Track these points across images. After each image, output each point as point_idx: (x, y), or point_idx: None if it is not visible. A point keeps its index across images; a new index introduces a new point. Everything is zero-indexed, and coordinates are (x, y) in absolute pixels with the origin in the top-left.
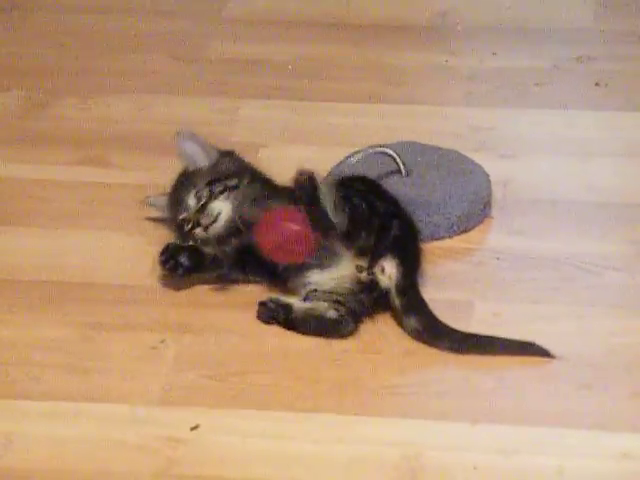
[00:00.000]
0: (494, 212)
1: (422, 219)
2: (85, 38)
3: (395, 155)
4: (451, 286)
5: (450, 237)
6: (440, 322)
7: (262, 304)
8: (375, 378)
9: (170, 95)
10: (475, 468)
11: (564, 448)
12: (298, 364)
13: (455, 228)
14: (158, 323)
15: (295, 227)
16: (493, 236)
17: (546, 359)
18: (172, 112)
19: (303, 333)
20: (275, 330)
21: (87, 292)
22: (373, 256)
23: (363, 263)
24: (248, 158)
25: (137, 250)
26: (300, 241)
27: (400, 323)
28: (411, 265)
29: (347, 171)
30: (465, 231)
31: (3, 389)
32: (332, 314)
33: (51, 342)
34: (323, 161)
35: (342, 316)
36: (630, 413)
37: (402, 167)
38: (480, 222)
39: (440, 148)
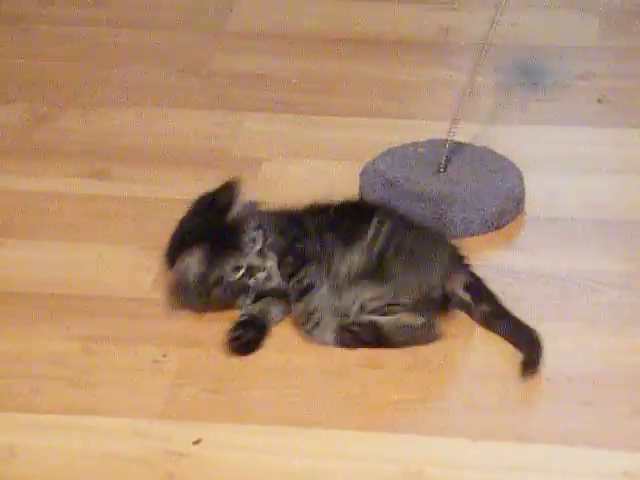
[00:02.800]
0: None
1: (456, 215)
2: (89, 51)
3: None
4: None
5: (484, 233)
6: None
7: (347, 330)
8: (376, 393)
9: (174, 108)
10: None
11: (567, 466)
12: (300, 379)
13: (489, 224)
14: (160, 337)
15: None
16: (494, 252)
17: (547, 377)
18: (175, 125)
19: (393, 347)
20: (277, 344)
21: (89, 305)
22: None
23: None
24: (251, 172)
25: (140, 263)
26: None
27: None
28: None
29: (381, 168)
30: (498, 227)
31: (5, 402)
32: (419, 320)
33: (53, 355)
34: (326, 175)
35: (429, 321)
36: (631, 431)
37: (441, 162)
38: (513, 218)
39: (472, 145)
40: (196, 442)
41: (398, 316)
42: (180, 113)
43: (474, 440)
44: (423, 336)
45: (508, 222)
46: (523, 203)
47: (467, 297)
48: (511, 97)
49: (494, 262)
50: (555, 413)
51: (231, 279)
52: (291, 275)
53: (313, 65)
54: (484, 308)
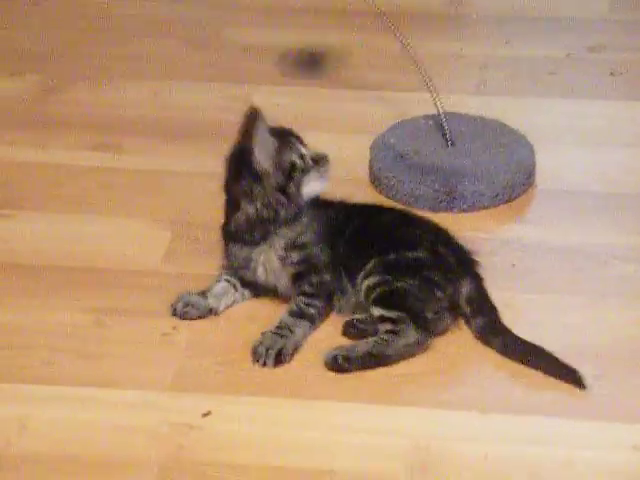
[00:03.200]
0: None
1: (467, 188)
2: (99, 23)
3: (443, 122)
4: None
5: (495, 206)
6: (500, 323)
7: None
8: (385, 367)
9: (183, 81)
10: (486, 457)
11: (575, 439)
12: (309, 351)
13: (500, 197)
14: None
15: None
16: (505, 225)
17: (559, 351)
18: (185, 98)
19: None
20: None
21: (100, 277)
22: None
23: None
24: None
25: (150, 236)
26: None
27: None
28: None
29: (391, 141)
30: (509, 200)
31: (16, 374)
32: (413, 338)
33: (63, 327)
34: (337, 147)
35: (424, 337)
36: None
37: (448, 135)
38: (524, 191)
39: (484, 118)
40: (206, 414)
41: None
42: (190, 86)
43: (483, 413)
44: (414, 351)
45: (519, 195)
46: (534, 176)
47: (468, 309)
48: (522, 70)
49: (504, 235)
50: (565, 386)
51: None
52: None
53: (322, 38)
54: (480, 322)
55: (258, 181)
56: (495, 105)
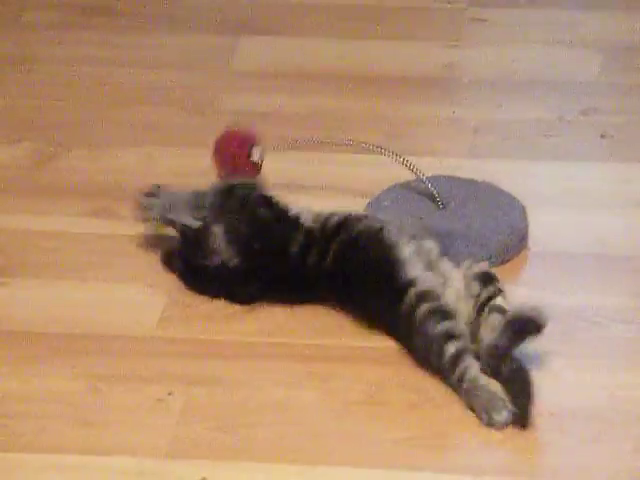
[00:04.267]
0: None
1: (461, 251)
2: (94, 91)
3: (430, 186)
4: None
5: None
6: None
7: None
8: (380, 431)
9: (179, 147)
10: None
11: None
12: (304, 416)
13: (493, 259)
14: (165, 375)
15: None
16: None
17: (551, 412)
18: (181, 164)
19: None
20: (282, 381)
21: (95, 344)
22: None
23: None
24: None
25: (145, 301)
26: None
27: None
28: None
29: (385, 204)
30: (503, 262)
31: (10, 442)
32: None
33: (58, 394)
34: (333, 208)
35: None
36: (634, 468)
37: (437, 198)
38: (518, 253)
39: (475, 181)
40: None
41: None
42: (186, 152)
43: (478, 477)
44: None
45: (512, 257)
46: (527, 238)
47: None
48: (514, 133)
49: None
50: (559, 449)
51: None
52: None
53: (317, 102)
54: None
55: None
56: (488, 168)
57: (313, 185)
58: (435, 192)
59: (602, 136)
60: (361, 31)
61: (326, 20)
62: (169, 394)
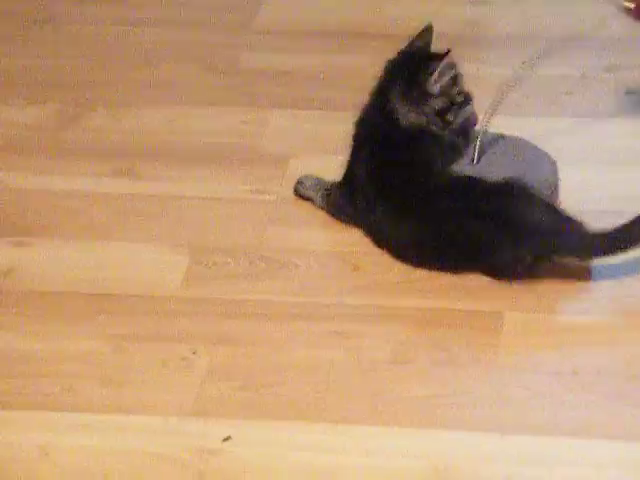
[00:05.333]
0: None
1: None
2: (117, 50)
3: (477, 142)
4: (480, 297)
5: None
6: None
7: None
8: (405, 389)
9: (201, 106)
10: (507, 479)
11: (597, 459)
12: (329, 375)
13: None
14: (190, 334)
15: None
16: None
17: (577, 370)
18: (203, 123)
19: None
20: (306, 341)
21: (119, 304)
22: None
23: None
24: (278, 169)
25: (169, 261)
26: None
27: None
28: None
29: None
30: None
31: (37, 401)
32: None
33: (83, 354)
34: None
35: None
36: None
37: (472, 153)
38: None
39: (506, 136)
40: (226, 439)
41: None
42: (207, 111)
43: (503, 434)
44: None
45: None
46: (558, 193)
47: None
48: (537, 90)
49: None
50: (583, 407)
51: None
52: None
53: (339, 61)
54: None
55: (422, 100)
56: (512, 125)
57: (335, 144)
58: (477, 145)
59: (627, 92)
60: None
61: None
62: (193, 353)
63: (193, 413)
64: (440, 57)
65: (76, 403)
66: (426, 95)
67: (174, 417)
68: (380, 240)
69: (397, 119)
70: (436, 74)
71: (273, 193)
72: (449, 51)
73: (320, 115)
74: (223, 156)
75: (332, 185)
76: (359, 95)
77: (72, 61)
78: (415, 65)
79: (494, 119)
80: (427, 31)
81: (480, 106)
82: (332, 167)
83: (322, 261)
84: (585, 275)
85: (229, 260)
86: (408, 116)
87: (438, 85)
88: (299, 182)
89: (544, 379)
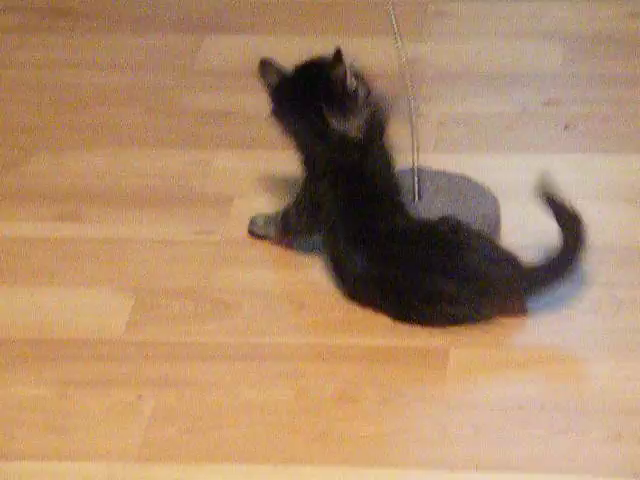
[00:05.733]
0: None
1: None
2: (56, 93)
3: (415, 178)
4: (424, 334)
5: None
6: None
7: None
8: (352, 427)
9: (144, 148)
10: None
11: None
12: (276, 416)
13: None
14: (135, 378)
15: None
16: None
17: (522, 405)
18: (146, 165)
19: None
20: (252, 381)
21: (63, 349)
22: None
23: None
24: (223, 209)
25: (113, 305)
26: None
27: None
28: None
29: None
30: None
31: None
32: None
33: (27, 400)
34: None
35: None
36: (606, 457)
37: (411, 191)
38: None
39: (448, 173)
40: None
41: None
42: (150, 153)
43: (451, 471)
44: None
45: None
46: (499, 229)
47: None
48: (478, 126)
49: None
50: (530, 441)
51: None
52: None
53: None
54: None
55: (351, 106)
56: (453, 161)
57: (279, 184)
58: (415, 183)
59: (566, 127)
60: (323, 27)
61: (288, 17)
62: (139, 397)
63: (140, 458)
64: (338, 57)
65: (19, 450)
66: (352, 100)
67: (120, 463)
68: (338, 269)
69: (343, 136)
70: (349, 75)
71: (218, 234)
72: (339, 49)
73: (263, 155)
74: (167, 198)
75: (286, 207)
76: None
77: (11, 105)
78: (320, 77)
79: (435, 156)
80: (265, 64)
81: (421, 144)
82: (277, 206)
83: (267, 301)
84: (525, 309)
85: (174, 302)
86: (351, 129)
87: (354, 85)
88: (251, 222)
89: (491, 414)
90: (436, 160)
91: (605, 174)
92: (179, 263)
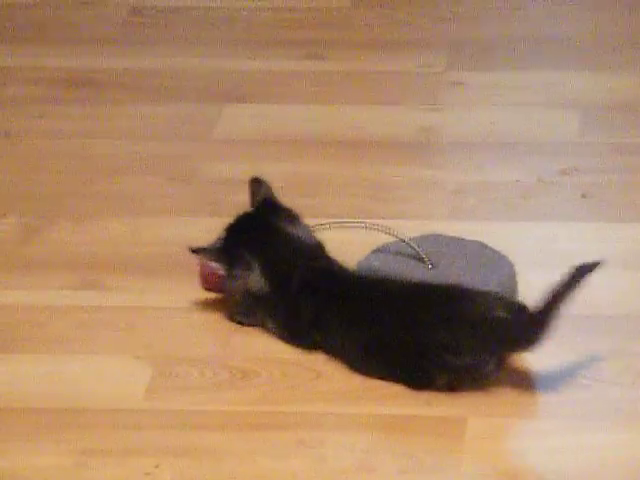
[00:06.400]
0: None
1: None
2: (76, 163)
3: (416, 247)
4: (442, 403)
5: None
6: None
7: None
8: None
9: (165, 217)
10: None
11: None
12: None
13: None
14: (153, 448)
15: None
16: None
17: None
18: (167, 234)
19: None
20: (269, 451)
21: (81, 418)
22: None
23: None
24: None
25: (132, 374)
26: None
27: None
28: None
29: (375, 264)
30: None
31: None
32: None
33: (44, 471)
34: None
35: None
36: None
37: (425, 258)
38: None
39: (464, 239)
40: None
41: None
42: (169, 221)
43: None
44: None
45: None
46: (516, 296)
47: None
48: (493, 195)
49: None
50: None
51: None
52: None
53: (298, 168)
54: None
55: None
56: (469, 230)
57: None
58: (419, 253)
59: (583, 196)
60: (342, 97)
61: (307, 87)
62: (156, 467)
63: None
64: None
65: None
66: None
67: None
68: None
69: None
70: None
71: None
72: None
73: None
74: (187, 265)
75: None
76: (318, 201)
77: (32, 174)
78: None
79: (450, 223)
80: (257, 182)
81: (436, 212)
82: None
83: (284, 369)
84: (539, 381)
85: (192, 371)
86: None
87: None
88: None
89: None
90: (451, 228)
91: (622, 243)
92: (198, 331)
